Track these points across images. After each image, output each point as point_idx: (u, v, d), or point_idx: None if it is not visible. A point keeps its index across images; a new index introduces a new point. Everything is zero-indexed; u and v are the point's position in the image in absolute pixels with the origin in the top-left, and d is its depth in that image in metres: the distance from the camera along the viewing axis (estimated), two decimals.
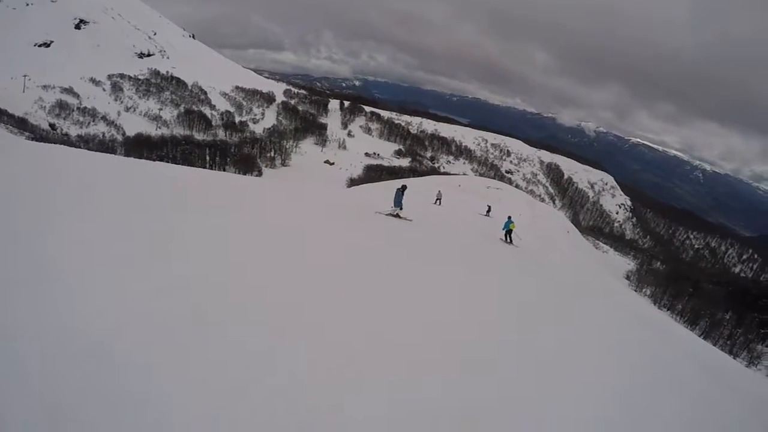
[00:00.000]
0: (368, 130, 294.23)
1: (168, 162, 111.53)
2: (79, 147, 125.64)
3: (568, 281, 17.47)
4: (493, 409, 5.58)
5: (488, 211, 44.13)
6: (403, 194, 20.54)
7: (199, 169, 27.98)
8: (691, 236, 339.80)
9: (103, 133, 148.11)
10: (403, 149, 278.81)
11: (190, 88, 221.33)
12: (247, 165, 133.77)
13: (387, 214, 20.36)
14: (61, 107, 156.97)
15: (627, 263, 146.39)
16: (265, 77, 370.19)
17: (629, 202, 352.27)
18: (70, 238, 6.77)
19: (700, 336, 72.67)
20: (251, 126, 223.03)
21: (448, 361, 6.46)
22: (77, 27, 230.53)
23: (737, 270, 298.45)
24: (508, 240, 26.35)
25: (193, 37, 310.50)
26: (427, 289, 9.93)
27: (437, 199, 43.46)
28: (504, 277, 15.27)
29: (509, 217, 27.19)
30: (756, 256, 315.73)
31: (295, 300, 6.88)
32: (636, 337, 12.75)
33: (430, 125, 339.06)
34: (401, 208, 20.56)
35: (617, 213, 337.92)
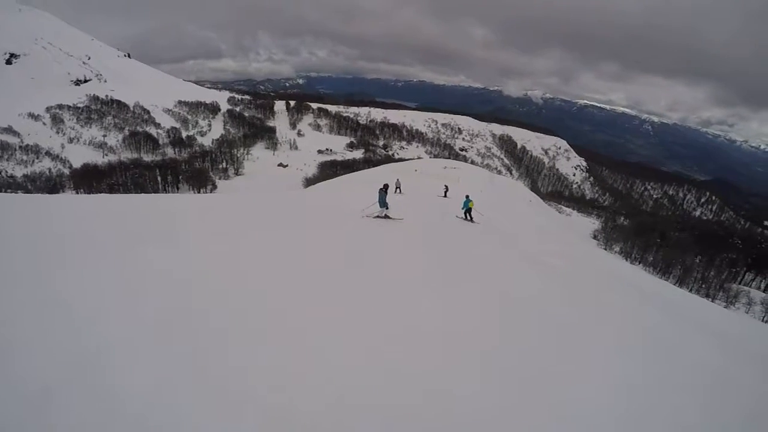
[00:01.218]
0: (318, 127, 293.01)
1: (119, 189, 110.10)
2: (27, 187, 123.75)
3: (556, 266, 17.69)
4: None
5: (446, 191, 43.54)
6: (386, 193, 20.33)
7: (138, 195, 27.29)
8: (649, 187, 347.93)
9: (50, 169, 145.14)
10: (355, 141, 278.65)
11: (132, 109, 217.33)
12: (199, 180, 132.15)
13: (375, 216, 20.19)
14: (3, 148, 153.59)
15: (591, 223, 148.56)
16: (207, 87, 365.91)
17: (584, 163, 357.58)
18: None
19: (675, 284, 74.92)
20: (199, 139, 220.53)
21: (467, 359, 6.75)
22: (8, 62, 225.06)
23: (698, 213, 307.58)
24: (469, 218, 26.28)
25: (129, 56, 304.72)
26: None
27: (396, 188, 42.29)
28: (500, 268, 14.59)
29: (467, 197, 26.94)
30: (713, 198, 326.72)
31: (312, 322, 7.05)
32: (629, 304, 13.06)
33: (378, 114, 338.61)
34: (387, 208, 20.40)
35: (574, 175, 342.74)
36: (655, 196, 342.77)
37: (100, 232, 11.58)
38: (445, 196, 42.06)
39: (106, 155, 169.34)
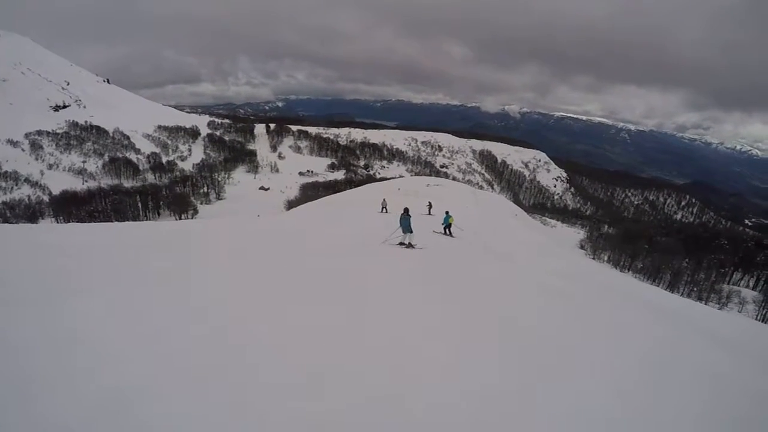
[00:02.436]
0: (298, 149, 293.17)
1: (98, 217, 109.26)
2: (5, 215, 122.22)
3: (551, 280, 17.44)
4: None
5: (429, 209, 43.36)
6: (410, 217, 19.21)
7: (112, 224, 26.62)
8: (629, 194, 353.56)
9: (29, 196, 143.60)
10: (336, 162, 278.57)
11: (111, 135, 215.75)
12: (181, 206, 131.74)
13: (399, 244, 19.03)
14: None
15: (576, 233, 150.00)
16: (187, 112, 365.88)
17: (564, 174, 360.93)
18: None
19: (666, 289, 75.78)
20: (180, 164, 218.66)
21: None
22: None
23: (679, 216, 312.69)
24: (448, 233, 26.77)
25: (108, 81, 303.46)
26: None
27: (383, 207, 43.02)
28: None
29: (447, 212, 27.71)
30: (693, 200, 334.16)
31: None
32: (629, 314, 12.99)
33: (358, 134, 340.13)
34: (412, 233, 19.15)
35: (555, 186, 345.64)
36: (636, 202, 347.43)
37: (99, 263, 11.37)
38: (430, 213, 41.90)
39: (86, 181, 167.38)
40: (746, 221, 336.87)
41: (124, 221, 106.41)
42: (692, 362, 8.69)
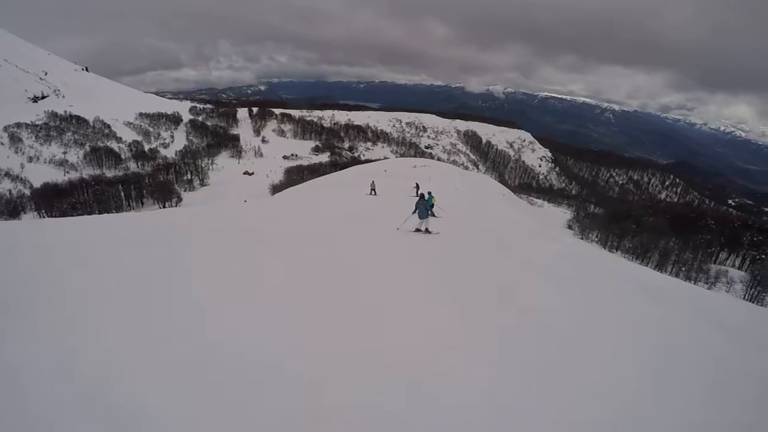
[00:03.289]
0: (282, 133, 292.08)
1: (81, 208, 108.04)
2: None
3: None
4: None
5: (417, 190, 42.94)
6: (426, 202, 19.15)
7: (90, 218, 25.77)
8: (614, 174, 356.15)
9: (9, 191, 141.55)
10: (320, 145, 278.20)
11: (92, 124, 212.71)
12: (164, 194, 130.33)
13: (415, 230, 19.05)
14: None
15: (563, 213, 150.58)
16: (168, 98, 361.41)
17: (549, 154, 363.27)
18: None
19: (655, 268, 76.43)
20: (162, 151, 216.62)
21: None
22: None
23: (663, 196, 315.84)
24: (430, 214, 26.38)
25: (87, 69, 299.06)
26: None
27: (372, 190, 42.95)
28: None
29: (429, 193, 27.28)
30: (677, 180, 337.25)
31: None
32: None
33: (342, 116, 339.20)
34: (427, 218, 19.13)
35: (540, 166, 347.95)
36: (620, 182, 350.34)
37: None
38: (417, 195, 39.12)
39: (68, 173, 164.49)
40: (729, 201, 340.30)
41: (107, 212, 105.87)
42: (696, 346, 9.06)
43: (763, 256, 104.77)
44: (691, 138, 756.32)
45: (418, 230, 19.03)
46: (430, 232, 18.90)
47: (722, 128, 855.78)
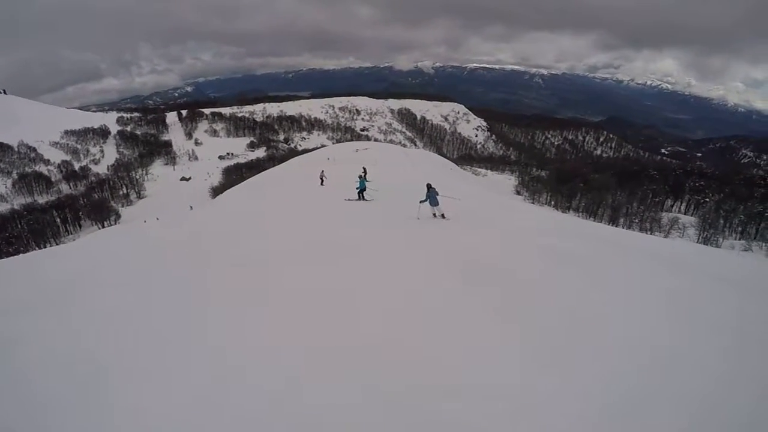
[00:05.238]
0: (214, 133, 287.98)
1: (14, 243, 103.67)
2: None
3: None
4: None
5: (365, 175, 41.48)
6: (434, 191, 19.66)
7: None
8: (549, 136, 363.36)
9: None
10: (255, 140, 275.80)
11: (16, 149, 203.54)
12: (101, 213, 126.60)
13: (433, 215, 19.78)
14: None
15: (508, 179, 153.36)
16: (93, 111, 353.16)
17: (484, 123, 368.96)
18: None
19: (609, 224, 78.51)
20: (94, 168, 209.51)
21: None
22: None
23: (599, 152, 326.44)
24: (361, 197, 26.99)
25: (5, 92, 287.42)
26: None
27: (322, 180, 41.45)
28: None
29: (360, 176, 28.22)
30: (611, 135, 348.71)
31: None
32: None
33: (274, 108, 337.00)
34: (438, 204, 19.72)
35: (476, 136, 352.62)
36: (556, 143, 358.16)
37: None
38: (366, 179, 40.64)
39: None
40: (662, 150, 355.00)
41: (43, 242, 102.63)
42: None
43: (707, 200, 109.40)
44: (620, 94, 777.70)
45: (434, 215, 19.82)
46: (444, 217, 19.68)
47: (649, 82, 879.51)
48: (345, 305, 9.14)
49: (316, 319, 8.47)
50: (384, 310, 8.83)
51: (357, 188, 27.53)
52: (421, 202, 19.79)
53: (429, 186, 20.15)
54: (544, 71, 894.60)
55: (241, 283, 11.10)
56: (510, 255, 13.26)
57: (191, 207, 71.90)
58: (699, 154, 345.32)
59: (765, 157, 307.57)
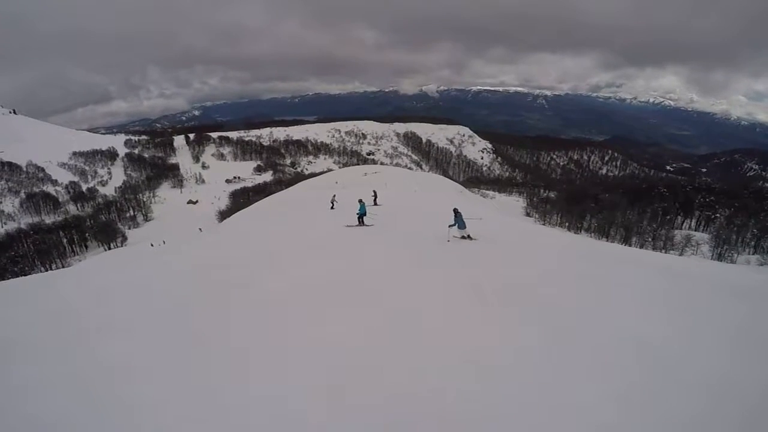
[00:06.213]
0: (221, 156, 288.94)
1: (20, 263, 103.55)
2: None
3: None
4: None
5: (375, 198, 40.81)
6: (461, 215, 20.52)
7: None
8: (554, 156, 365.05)
9: None
10: (262, 164, 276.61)
11: (25, 169, 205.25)
12: (108, 235, 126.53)
13: (461, 237, 20.39)
14: None
15: (516, 201, 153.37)
16: (102, 133, 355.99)
17: (490, 145, 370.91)
18: None
19: (621, 243, 78.35)
20: (101, 189, 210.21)
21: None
22: None
23: (604, 171, 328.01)
24: (361, 223, 26.04)
25: (14, 112, 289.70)
26: None
27: (332, 204, 39.50)
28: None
29: (360, 201, 27.30)
30: (616, 154, 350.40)
31: None
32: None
33: (280, 132, 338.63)
34: (465, 227, 20.56)
35: (482, 158, 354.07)
36: (561, 163, 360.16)
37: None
38: (376, 203, 39.84)
39: (5, 224, 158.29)
40: (667, 167, 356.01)
41: (49, 262, 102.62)
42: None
43: (717, 215, 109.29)
44: (623, 113, 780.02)
45: (463, 237, 20.44)
46: (472, 239, 20.40)
47: (651, 100, 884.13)
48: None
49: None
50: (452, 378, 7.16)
51: (357, 213, 26.59)
52: (450, 226, 20.24)
53: (456, 210, 20.82)
54: (547, 92, 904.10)
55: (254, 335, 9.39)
56: (569, 291, 12.34)
57: (200, 229, 71.71)
58: (704, 170, 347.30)
59: None
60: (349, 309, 10.49)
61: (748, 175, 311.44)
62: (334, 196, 41.90)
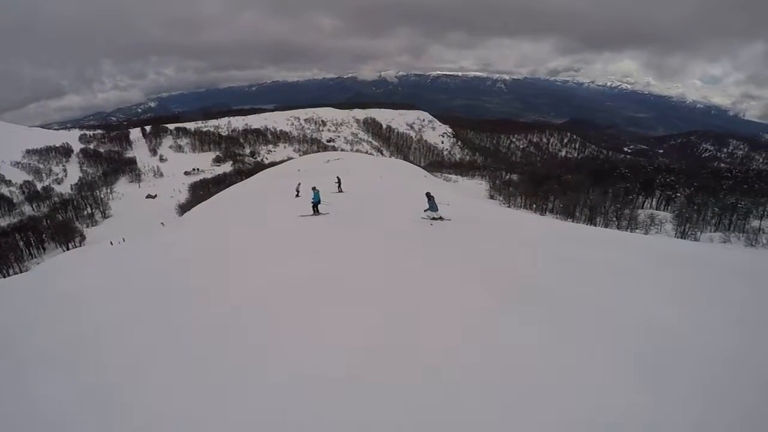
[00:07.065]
0: (179, 148, 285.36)
1: None
2: None
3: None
4: None
5: (339, 185, 40.40)
6: (433, 199, 21.46)
7: None
8: (514, 139, 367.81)
9: None
10: (221, 155, 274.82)
11: None
12: (66, 234, 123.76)
13: (432, 219, 21.25)
14: None
15: (478, 184, 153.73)
16: (56, 129, 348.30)
17: (450, 130, 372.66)
18: None
19: (585, 223, 79.70)
20: (57, 188, 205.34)
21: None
22: None
23: (563, 153, 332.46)
24: (316, 212, 25.57)
25: None
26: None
27: (297, 192, 39.87)
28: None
29: (314, 189, 26.52)
30: (574, 136, 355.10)
31: None
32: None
33: (239, 122, 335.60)
34: (437, 210, 21.46)
35: (442, 143, 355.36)
36: (521, 146, 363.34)
37: None
38: (340, 190, 39.46)
39: None
40: (625, 149, 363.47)
41: (6, 267, 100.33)
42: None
43: (677, 195, 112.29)
44: (581, 96, 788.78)
45: (434, 219, 21.40)
46: (443, 219, 21.44)
47: (609, 84, 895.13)
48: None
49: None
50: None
51: (312, 201, 25.97)
52: (425, 210, 21.60)
53: (429, 195, 21.71)
54: (506, 76, 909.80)
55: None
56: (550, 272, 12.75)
57: (162, 224, 71.21)
58: (660, 151, 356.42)
59: (725, 150, 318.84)
60: (342, 307, 9.89)
61: (703, 156, 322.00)
62: (299, 184, 42.38)
